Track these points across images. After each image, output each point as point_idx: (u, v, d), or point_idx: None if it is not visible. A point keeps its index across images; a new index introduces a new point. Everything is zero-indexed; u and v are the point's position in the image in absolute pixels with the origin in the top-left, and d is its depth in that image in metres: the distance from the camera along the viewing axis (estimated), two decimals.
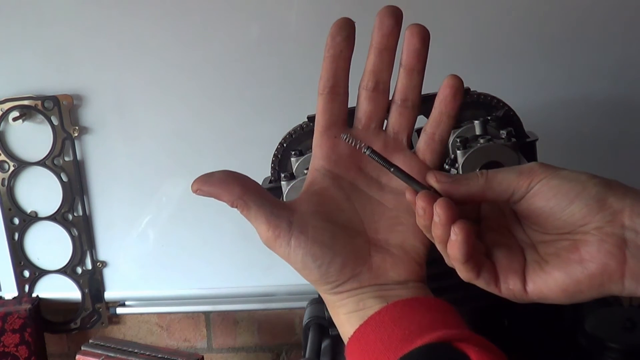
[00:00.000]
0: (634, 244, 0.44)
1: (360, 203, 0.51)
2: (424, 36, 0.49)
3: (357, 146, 0.50)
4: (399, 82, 0.50)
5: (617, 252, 0.44)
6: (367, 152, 0.49)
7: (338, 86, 0.50)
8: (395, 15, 0.48)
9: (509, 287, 0.47)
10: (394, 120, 0.51)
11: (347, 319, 0.49)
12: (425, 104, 0.55)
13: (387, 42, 0.49)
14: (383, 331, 0.46)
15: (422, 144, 0.51)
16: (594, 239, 0.44)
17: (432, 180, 0.48)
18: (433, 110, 0.50)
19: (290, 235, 0.49)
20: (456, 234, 0.44)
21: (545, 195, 0.45)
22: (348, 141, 0.50)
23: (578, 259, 0.45)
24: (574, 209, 0.45)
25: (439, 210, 0.45)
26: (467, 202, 0.48)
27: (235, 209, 0.50)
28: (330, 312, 0.51)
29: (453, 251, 0.45)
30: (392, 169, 0.49)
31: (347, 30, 0.49)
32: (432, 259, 0.50)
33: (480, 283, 0.47)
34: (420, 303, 0.48)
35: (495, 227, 0.50)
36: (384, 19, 0.48)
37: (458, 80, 0.49)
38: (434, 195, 0.47)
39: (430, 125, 0.51)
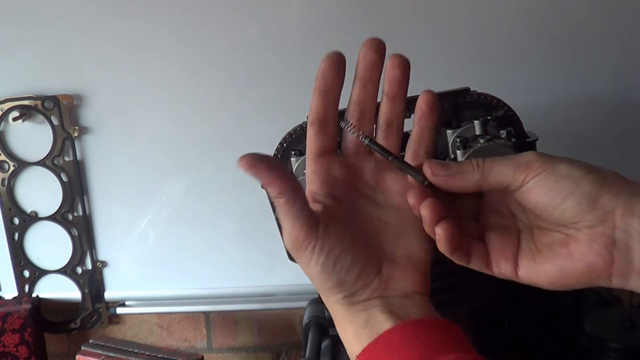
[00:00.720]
0: (623, 244, 0.44)
1: (363, 221, 0.52)
2: (404, 67, 0.50)
3: (357, 135, 0.50)
4: (382, 109, 0.52)
5: (605, 252, 0.44)
6: (366, 142, 0.51)
7: (327, 118, 0.51)
8: (378, 50, 0.49)
9: (500, 270, 0.49)
10: (381, 143, 0.52)
11: (355, 335, 0.49)
12: None
13: (370, 75, 0.50)
14: (392, 351, 0.46)
15: (408, 161, 0.52)
16: (584, 237, 0.45)
17: (427, 172, 0.49)
18: (414, 127, 0.52)
19: (318, 237, 0.49)
20: (439, 235, 0.47)
21: (538, 192, 0.46)
22: (349, 130, 0.51)
23: (567, 255, 0.46)
24: (566, 206, 0.45)
25: (423, 212, 0.47)
26: (462, 193, 0.49)
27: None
28: (338, 329, 0.52)
29: (440, 246, 0.48)
30: (390, 157, 0.50)
31: (337, 66, 0.49)
32: (432, 260, 0.51)
33: (473, 267, 0.50)
34: (429, 324, 0.48)
35: (495, 204, 0.51)
36: (367, 53, 0.49)
37: (432, 95, 0.51)
38: (424, 191, 0.49)
39: (413, 141, 0.52)
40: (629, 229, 0.44)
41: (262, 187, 0.49)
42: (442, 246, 0.48)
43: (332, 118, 0.51)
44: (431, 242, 0.50)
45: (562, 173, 0.45)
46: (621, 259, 0.44)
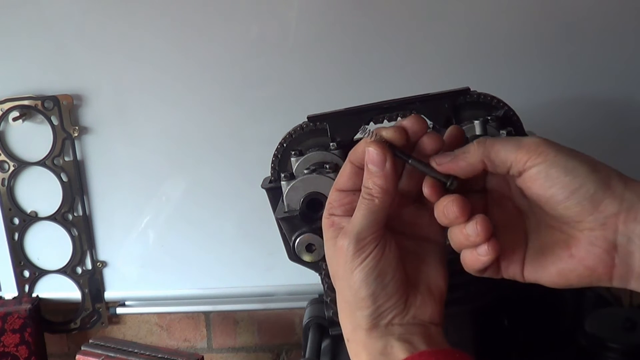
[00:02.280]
0: (624, 250, 0.44)
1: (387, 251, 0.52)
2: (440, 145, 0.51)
3: (374, 138, 0.50)
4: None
5: (605, 257, 0.45)
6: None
7: None
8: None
9: (509, 273, 0.49)
10: (405, 180, 0.52)
11: None
12: (424, 103, 0.55)
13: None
14: None
15: None
16: (585, 240, 0.45)
17: (433, 165, 0.49)
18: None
19: (380, 240, 0.49)
20: (485, 256, 0.47)
21: (542, 184, 0.46)
22: (367, 136, 0.50)
23: (569, 257, 0.46)
24: (570, 204, 0.45)
25: (479, 229, 0.46)
26: (471, 175, 0.49)
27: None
28: (350, 353, 0.52)
29: (476, 265, 0.48)
30: (410, 160, 0.50)
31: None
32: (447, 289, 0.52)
33: (486, 275, 0.50)
34: (443, 355, 0.48)
35: (500, 200, 0.51)
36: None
37: (460, 130, 0.52)
38: (452, 201, 0.48)
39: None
40: (632, 235, 0.44)
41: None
42: (482, 265, 0.48)
43: None
44: (447, 268, 0.51)
45: (567, 168, 0.45)
46: (622, 263, 0.44)
